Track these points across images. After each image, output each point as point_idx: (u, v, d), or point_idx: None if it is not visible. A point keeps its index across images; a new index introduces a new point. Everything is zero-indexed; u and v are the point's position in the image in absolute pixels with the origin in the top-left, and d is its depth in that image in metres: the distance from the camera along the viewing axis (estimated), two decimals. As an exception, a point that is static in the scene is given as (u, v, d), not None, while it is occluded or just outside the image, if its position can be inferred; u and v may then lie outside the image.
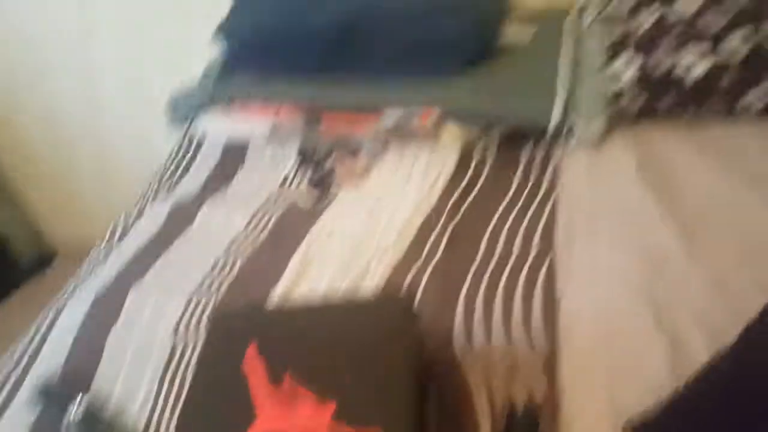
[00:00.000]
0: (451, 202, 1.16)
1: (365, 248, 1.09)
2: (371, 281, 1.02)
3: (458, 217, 1.13)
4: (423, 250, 1.07)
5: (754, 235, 0.95)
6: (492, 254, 1.04)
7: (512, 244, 1.05)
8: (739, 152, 1.12)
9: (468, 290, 0.97)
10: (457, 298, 0.96)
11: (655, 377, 0.77)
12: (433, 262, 1.04)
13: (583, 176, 1.15)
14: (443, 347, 0.89)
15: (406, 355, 0.75)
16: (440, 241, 1.08)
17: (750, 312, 0.79)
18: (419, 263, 1.04)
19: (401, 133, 1.31)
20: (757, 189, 1.02)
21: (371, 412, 0.67)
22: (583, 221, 1.05)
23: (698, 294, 0.87)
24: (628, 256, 0.96)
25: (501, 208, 1.13)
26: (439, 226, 1.12)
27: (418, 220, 1.13)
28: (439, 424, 0.78)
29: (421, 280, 1.00)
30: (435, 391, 0.81)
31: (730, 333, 0.76)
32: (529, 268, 0.99)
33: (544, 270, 0.98)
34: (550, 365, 0.83)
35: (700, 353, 0.78)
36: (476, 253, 1.04)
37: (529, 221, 1.09)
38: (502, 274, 0.99)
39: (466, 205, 1.16)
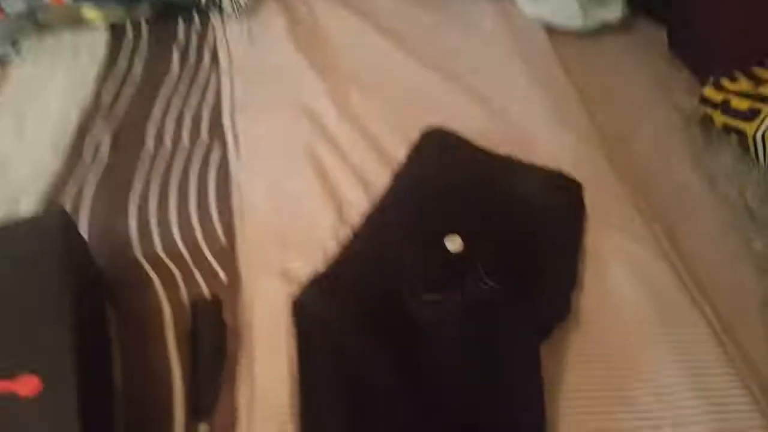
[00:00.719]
0: (108, 96, 1.07)
1: (15, 166, 0.96)
2: (27, 203, 0.91)
3: (119, 111, 1.05)
4: (84, 157, 0.98)
5: (394, 86, 1.03)
6: (160, 147, 0.98)
7: (180, 131, 1.00)
8: (374, 10, 1.18)
9: (141, 192, 0.92)
10: (127, 204, 0.90)
11: (323, 239, 0.82)
12: (98, 169, 0.96)
13: (241, 47, 1.12)
14: (120, 259, 0.85)
15: (64, 283, 0.69)
16: (103, 143, 0.99)
17: (395, 159, 0.88)
18: (82, 172, 0.95)
19: (34, 18, 1.13)
20: (392, 40, 1.10)
21: (23, 355, 0.61)
22: (247, 93, 1.04)
23: (353, 149, 0.93)
24: (292, 123, 0.98)
25: (164, 94, 1.06)
26: (99, 125, 1.02)
27: (74, 123, 1.02)
28: (123, 345, 0.76)
29: (85, 192, 0.92)
30: (114, 314, 0.78)
31: (381, 182, 0.85)
32: (202, 154, 0.96)
33: (216, 153, 0.96)
34: (229, 249, 0.84)
35: (359, 204, 0.86)
36: (143, 149, 0.98)
37: (196, 102, 1.05)
38: (172, 167, 0.95)
39: (125, 96, 1.07)
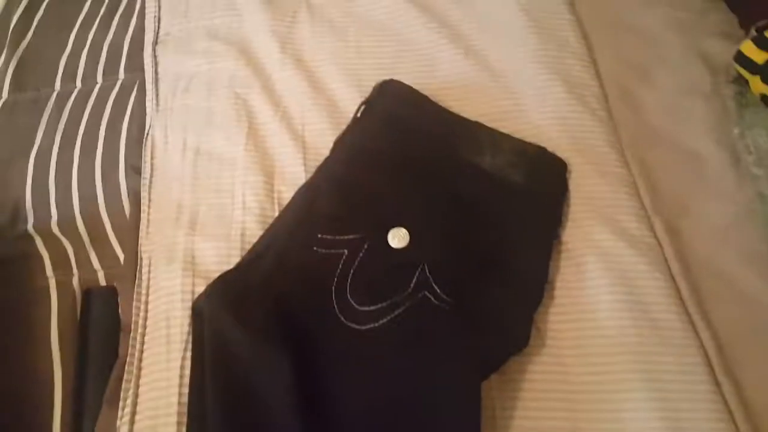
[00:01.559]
0: (13, 23, 0.89)
1: None
2: None
3: (25, 41, 0.87)
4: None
5: (358, 17, 0.83)
6: (71, 87, 0.82)
7: (96, 68, 0.84)
8: None
9: (42, 146, 0.77)
10: (28, 160, 0.76)
11: (244, 219, 0.68)
12: (-6, 111, 0.81)
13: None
14: (9, 230, 0.72)
15: None
16: (5, 80, 0.84)
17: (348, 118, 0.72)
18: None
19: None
20: None
21: None
22: (175, 17, 0.85)
23: (295, 101, 0.76)
24: (223, 61, 0.80)
25: (79, 23, 0.88)
26: (3, 56, 0.86)
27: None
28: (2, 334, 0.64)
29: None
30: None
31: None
32: (115, 99, 0.80)
33: (132, 99, 0.80)
34: (134, 225, 0.70)
35: (295, 176, 0.70)
36: (52, 89, 0.82)
37: (117, 30, 0.87)
38: (82, 115, 0.79)
39: (34, 24, 0.89)
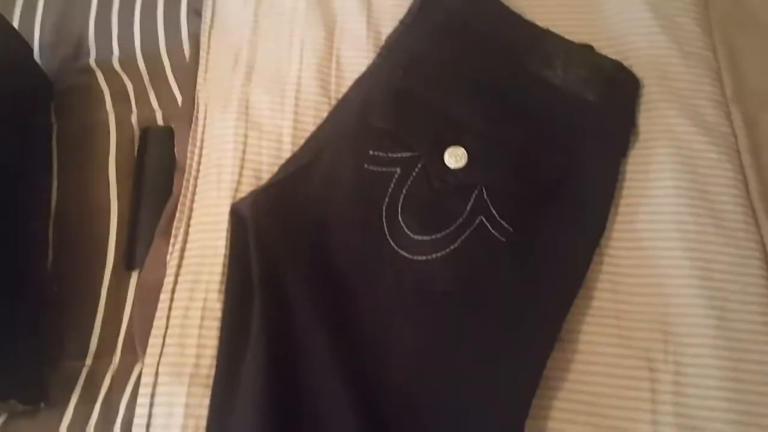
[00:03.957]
0: None
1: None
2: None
3: None
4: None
5: None
6: None
7: None
8: None
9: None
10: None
11: (298, 76, 0.66)
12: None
13: None
14: (72, 63, 0.72)
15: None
16: None
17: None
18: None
19: None
20: None
21: None
22: None
23: None
24: None
25: None
26: None
27: None
28: (63, 160, 0.67)
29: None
30: (59, 125, 0.68)
31: None
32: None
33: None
34: (192, 68, 0.69)
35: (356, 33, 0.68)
36: None
37: None
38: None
39: None
